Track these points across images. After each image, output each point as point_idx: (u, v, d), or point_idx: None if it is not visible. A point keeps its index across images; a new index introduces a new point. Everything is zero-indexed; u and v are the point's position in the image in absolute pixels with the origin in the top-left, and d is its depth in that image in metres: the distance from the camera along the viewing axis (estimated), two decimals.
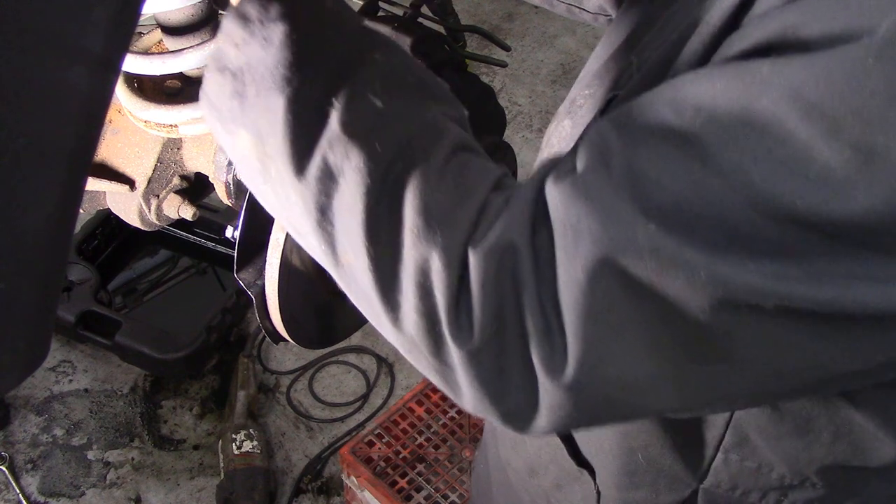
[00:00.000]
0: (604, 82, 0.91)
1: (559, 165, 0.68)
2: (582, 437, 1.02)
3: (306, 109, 0.70)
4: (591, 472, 1.01)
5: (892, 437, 0.80)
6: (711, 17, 0.68)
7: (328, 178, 0.70)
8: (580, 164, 0.66)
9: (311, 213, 0.72)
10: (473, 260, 0.66)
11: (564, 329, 0.65)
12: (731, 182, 0.61)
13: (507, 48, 1.21)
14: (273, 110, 0.71)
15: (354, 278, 0.71)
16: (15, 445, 2.40)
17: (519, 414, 0.69)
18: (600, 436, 0.98)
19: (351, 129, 0.69)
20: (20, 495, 2.29)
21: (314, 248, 0.74)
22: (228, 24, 0.74)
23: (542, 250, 0.65)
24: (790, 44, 0.61)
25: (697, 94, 0.63)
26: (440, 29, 1.18)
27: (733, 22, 0.66)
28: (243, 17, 0.73)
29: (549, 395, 0.66)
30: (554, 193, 0.65)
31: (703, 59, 0.68)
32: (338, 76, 0.71)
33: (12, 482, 2.31)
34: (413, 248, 0.68)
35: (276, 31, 0.71)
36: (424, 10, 1.17)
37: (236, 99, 0.73)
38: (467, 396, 0.70)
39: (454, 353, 0.67)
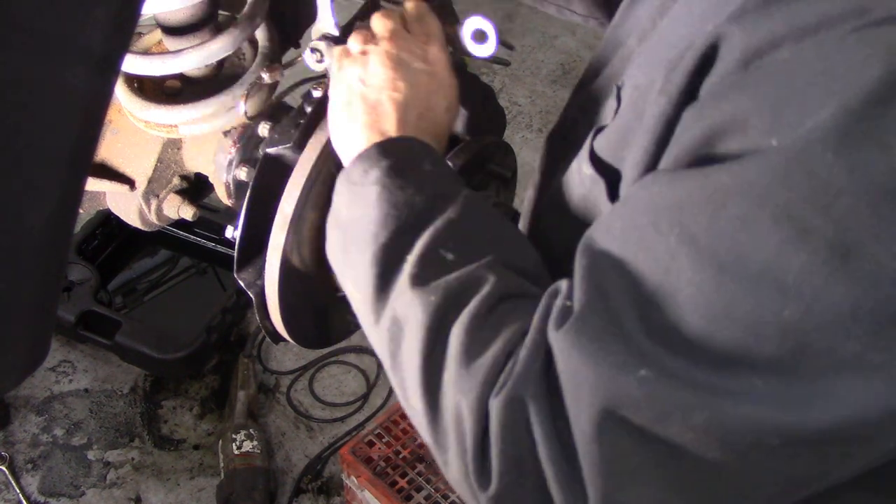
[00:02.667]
0: (593, 109, 0.92)
1: (559, 302, 0.69)
2: None
3: (387, 263, 0.77)
4: None
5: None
6: (675, 75, 0.69)
7: (396, 328, 0.75)
8: (577, 303, 0.67)
9: (385, 360, 0.77)
10: (493, 410, 0.68)
11: (582, 476, 0.66)
12: (715, 307, 0.60)
13: (511, 47, 1.21)
14: (363, 263, 0.78)
15: (417, 421, 0.75)
16: (15, 445, 2.40)
17: None
18: None
19: (417, 281, 0.74)
20: (20, 495, 2.29)
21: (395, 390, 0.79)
22: (340, 184, 0.84)
23: (553, 399, 0.67)
24: (743, 139, 0.61)
25: (670, 206, 0.64)
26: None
27: (699, 72, 0.67)
28: (349, 180, 0.82)
29: None
30: (554, 341, 0.67)
31: (672, 111, 0.69)
32: (413, 232, 0.77)
33: (12, 482, 2.30)
34: (450, 395, 0.71)
35: (372, 193, 0.79)
36: None
37: (343, 253, 0.82)
38: None
39: (480, 498, 0.70)
